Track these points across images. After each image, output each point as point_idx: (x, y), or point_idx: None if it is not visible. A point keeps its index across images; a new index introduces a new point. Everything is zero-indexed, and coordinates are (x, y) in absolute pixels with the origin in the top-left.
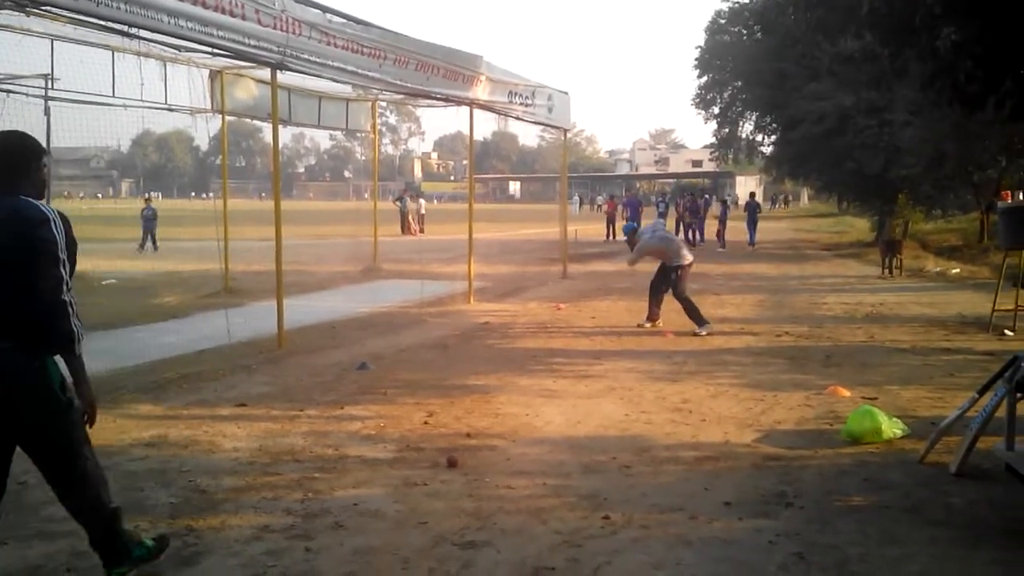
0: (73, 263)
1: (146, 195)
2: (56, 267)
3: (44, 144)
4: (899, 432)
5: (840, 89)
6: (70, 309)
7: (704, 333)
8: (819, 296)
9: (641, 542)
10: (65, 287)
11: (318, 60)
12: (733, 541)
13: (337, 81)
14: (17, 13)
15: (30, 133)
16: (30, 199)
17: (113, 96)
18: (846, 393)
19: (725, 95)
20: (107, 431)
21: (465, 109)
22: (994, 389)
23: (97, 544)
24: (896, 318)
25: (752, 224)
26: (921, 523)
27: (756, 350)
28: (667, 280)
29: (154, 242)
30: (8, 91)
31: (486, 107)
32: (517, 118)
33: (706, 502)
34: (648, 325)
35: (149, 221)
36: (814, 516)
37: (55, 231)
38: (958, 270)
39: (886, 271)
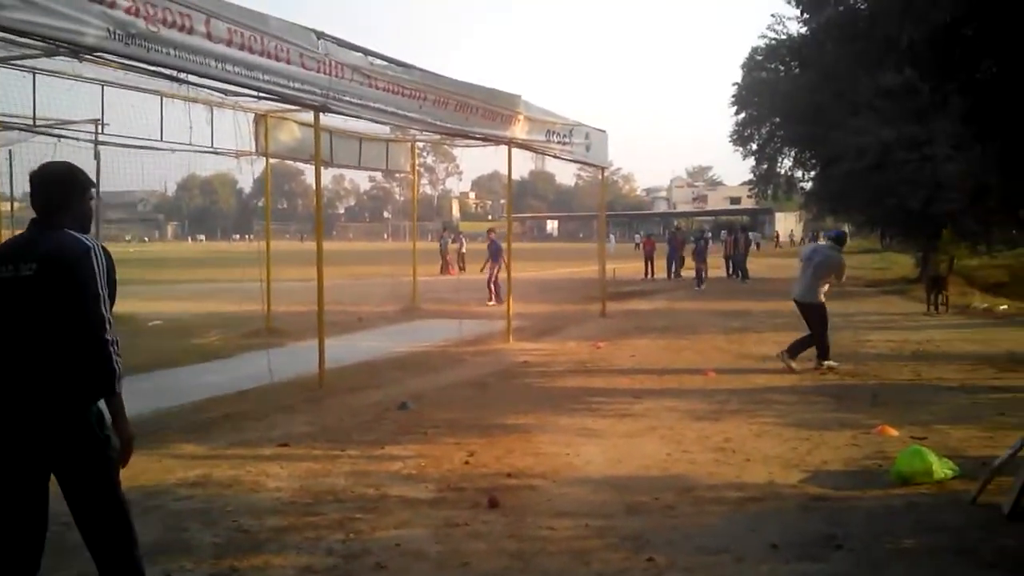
0: (113, 298)
1: None
2: (97, 305)
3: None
4: (950, 473)
5: (880, 124)
6: (112, 349)
7: (834, 365)
8: (863, 333)
9: None
10: (107, 325)
11: (359, 102)
12: None
13: (377, 122)
14: (70, 59)
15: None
16: (72, 232)
17: (161, 140)
18: (894, 432)
19: (763, 131)
20: (152, 471)
21: (503, 148)
22: None
23: None
24: (943, 356)
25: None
26: (974, 566)
27: (800, 389)
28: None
29: None
30: (60, 136)
31: (524, 146)
32: (555, 156)
33: (752, 544)
34: (828, 364)
35: None
36: (864, 559)
37: (96, 267)
38: (1006, 306)
39: (931, 307)
